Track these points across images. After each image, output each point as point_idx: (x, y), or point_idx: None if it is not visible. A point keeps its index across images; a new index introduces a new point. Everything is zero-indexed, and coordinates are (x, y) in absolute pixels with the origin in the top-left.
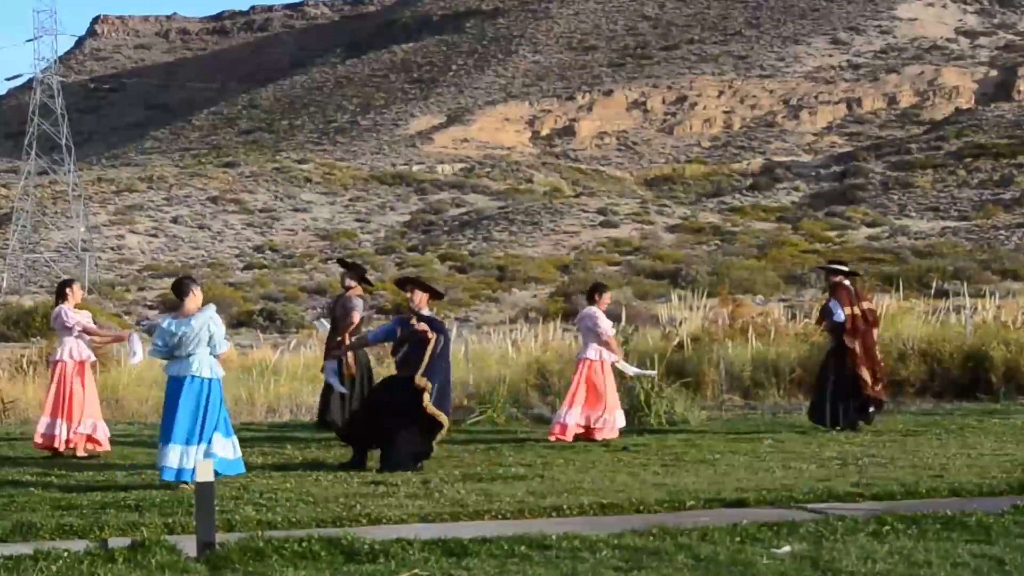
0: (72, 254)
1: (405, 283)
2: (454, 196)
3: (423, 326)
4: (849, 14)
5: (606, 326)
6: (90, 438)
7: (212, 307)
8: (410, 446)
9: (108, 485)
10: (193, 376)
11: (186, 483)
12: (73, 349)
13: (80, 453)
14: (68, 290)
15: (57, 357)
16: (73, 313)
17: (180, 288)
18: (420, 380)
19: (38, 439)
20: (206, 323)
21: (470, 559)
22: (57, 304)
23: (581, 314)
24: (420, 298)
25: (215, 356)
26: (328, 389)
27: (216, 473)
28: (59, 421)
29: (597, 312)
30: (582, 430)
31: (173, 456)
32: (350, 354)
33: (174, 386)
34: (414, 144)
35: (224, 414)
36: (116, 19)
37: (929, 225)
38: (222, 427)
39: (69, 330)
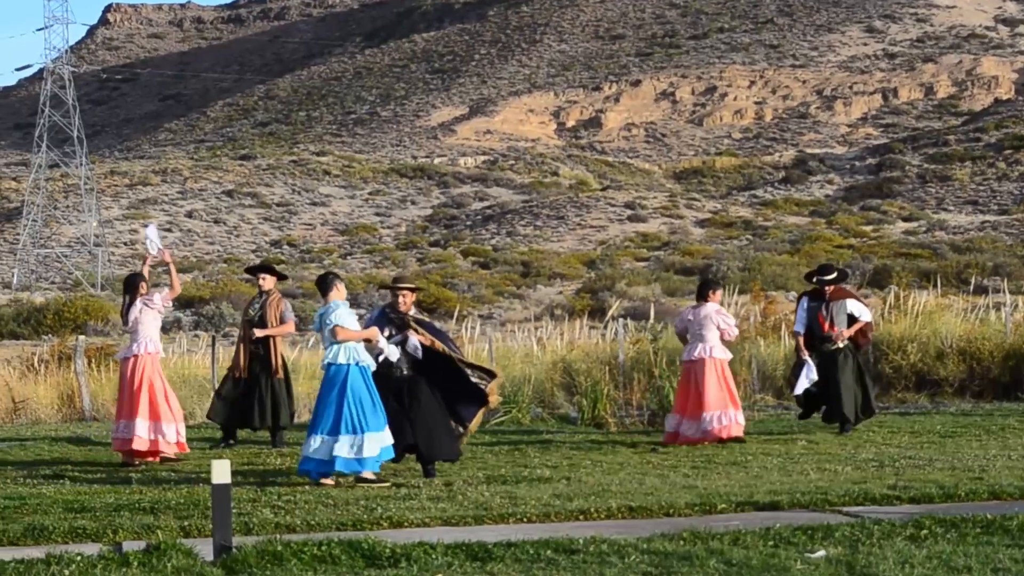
0: (84, 249)
1: (396, 284)
2: (477, 189)
3: (427, 338)
4: (885, 1)
5: (732, 324)
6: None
7: (334, 303)
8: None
9: (122, 487)
10: (328, 364)
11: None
12: (149, 344)
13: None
14: (143, 283)
15: (141, 351)
16: (158, 296)
17: (324, 283)
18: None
19: (140, 446)
20: (323, 315)
21: (494, 564)
22: (130, 298)
23: (705, 311)
24: (409, 299)
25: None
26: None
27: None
28: (161, 424)
29: (723, 310)
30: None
31: (342, 447)
32: (242, 354)
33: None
34: (436, 136)
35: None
36: (129, 7)
37: (968, 219)
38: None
39: (156, 315)
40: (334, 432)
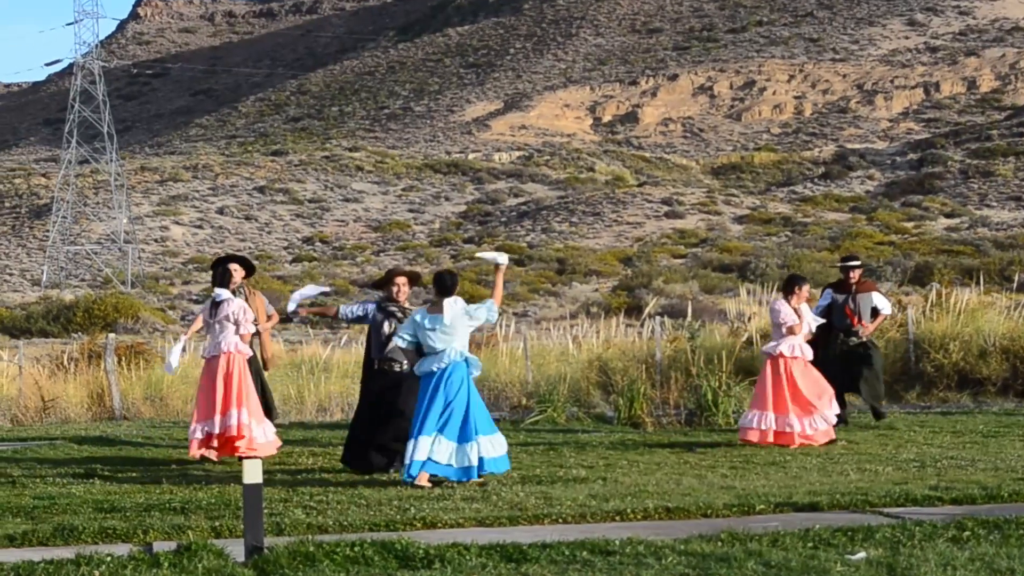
0: (114, 246)
1: (392, 274)
2: (512, 185)
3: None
4: None
5: (788, 314)
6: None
7: (460, 300)
8: None
9: (152, 486)
10: (446, 366)
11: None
12: (240, 344)
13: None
14: (231, 280)
15: (232, 349)
16: (246, 312)
17: (445, 282)
18: None
19: (244, 432)
20: (462, 314)
21: (529, 565)
22: (222, 290)
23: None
24: (406, 290)
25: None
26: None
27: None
28: (253, 419)
29: (780, 302)
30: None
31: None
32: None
33: (426, 381)
34: (470, 131)
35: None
36: (160, 2)
37: (1011, 215)
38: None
39: (238, 325)
40: (479, 433)
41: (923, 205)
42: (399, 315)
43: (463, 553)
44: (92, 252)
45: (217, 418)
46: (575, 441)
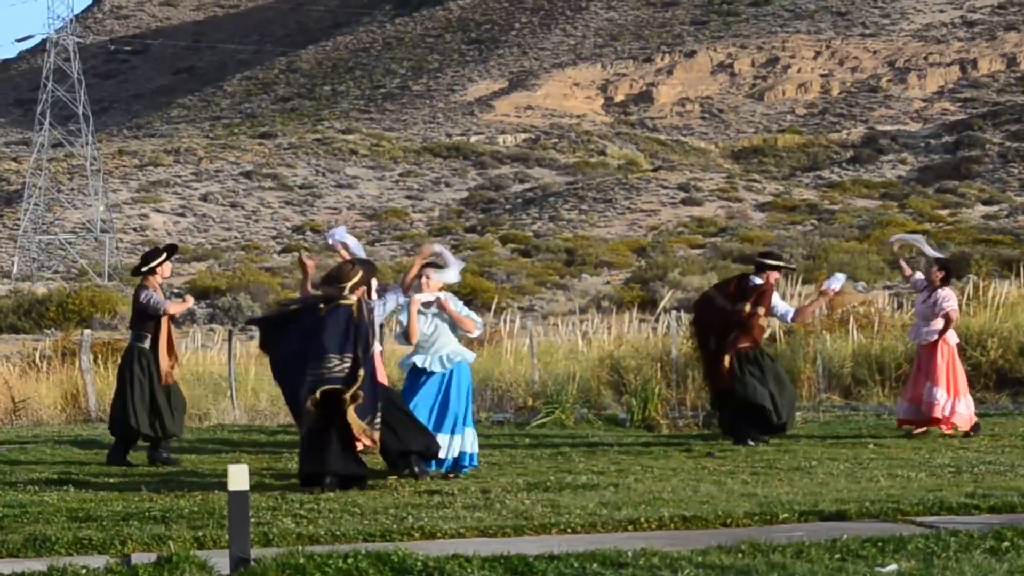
0: (90, 236)
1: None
2: (517, 170)
3: None
4: None
5: None
6: None
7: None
8: None
9: (131, 494)
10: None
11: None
12: None
13: None
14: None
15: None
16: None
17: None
18: None
19: None
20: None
21: None
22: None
23: None
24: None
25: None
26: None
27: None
28: None
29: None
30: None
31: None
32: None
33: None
34: (472, 112)
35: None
36: None
37: None
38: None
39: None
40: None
41: (959, 191)
42: None
43: (464, 565)
44: (66, 242)
45: None
46: (585, 445)
